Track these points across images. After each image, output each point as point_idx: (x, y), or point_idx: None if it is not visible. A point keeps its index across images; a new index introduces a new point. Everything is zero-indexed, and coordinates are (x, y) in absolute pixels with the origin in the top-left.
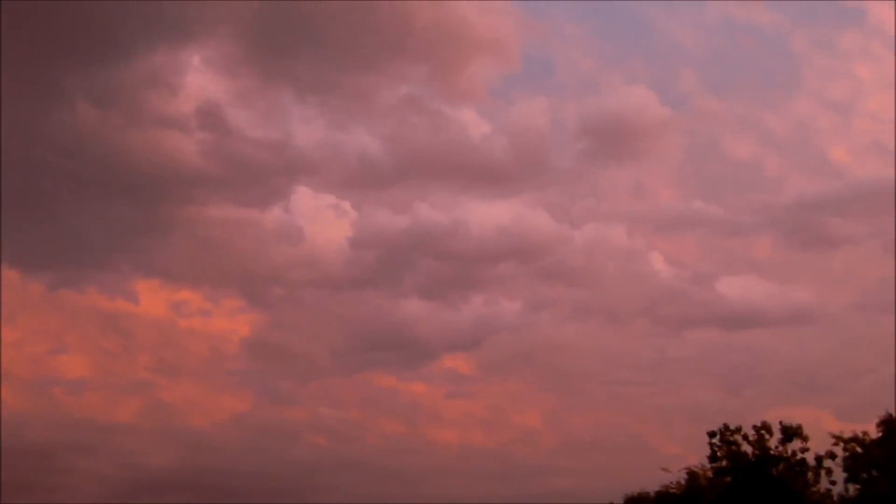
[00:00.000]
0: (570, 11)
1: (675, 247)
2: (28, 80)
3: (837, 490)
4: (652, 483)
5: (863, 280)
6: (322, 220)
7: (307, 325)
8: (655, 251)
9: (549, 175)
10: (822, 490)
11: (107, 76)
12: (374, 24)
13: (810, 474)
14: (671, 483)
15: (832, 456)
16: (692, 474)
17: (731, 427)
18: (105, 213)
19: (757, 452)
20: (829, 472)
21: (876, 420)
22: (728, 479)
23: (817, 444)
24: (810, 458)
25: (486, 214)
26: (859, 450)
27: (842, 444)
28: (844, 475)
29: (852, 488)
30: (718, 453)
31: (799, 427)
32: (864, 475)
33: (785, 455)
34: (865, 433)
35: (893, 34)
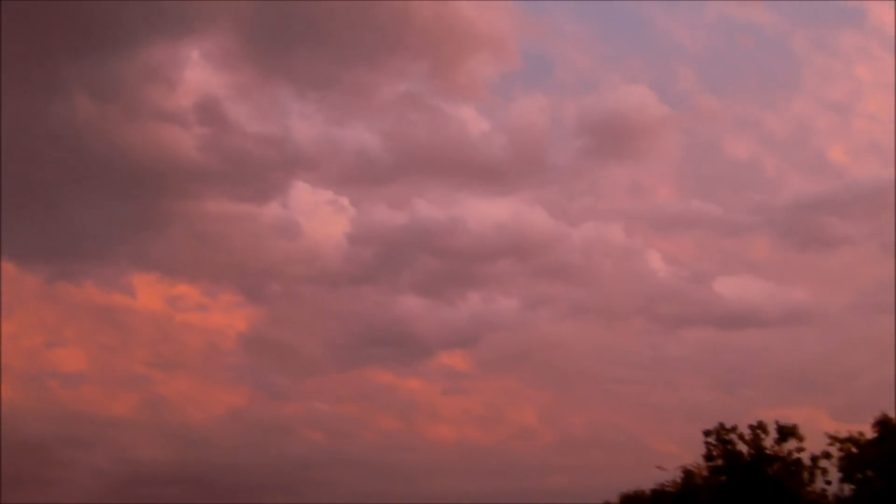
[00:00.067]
0: (569, 10)
1: (672, 246)
2: (27, 74)
3: (833, 490)
4: (648, 481)
5: (860, 281)
6: (320, 216)
7: (304, 321)
8: (653, 250)
9: (547, 173)
10: (817, 490)
11: (106, 70)
12: (373, 20)
13: (806, 474)
14: (667, 481)
15: (828, 456)
16: (688, 473)
17: (727, 426)
18: (103, 206)
19: (752, 452)
20: (825, 471)
21: (871, 421)
22: (723, 477)
23: (813, 443)
24: (806, 457)
25: (485, 212)
26: (855, 450)
27: (837, 445)
28: (840, 475)
29: (847, 488)
30: (714, 452)
31: (795, 427)
32: (860, 475)
33: (780, 454)
34: (861, 433)
35: (893, 35)
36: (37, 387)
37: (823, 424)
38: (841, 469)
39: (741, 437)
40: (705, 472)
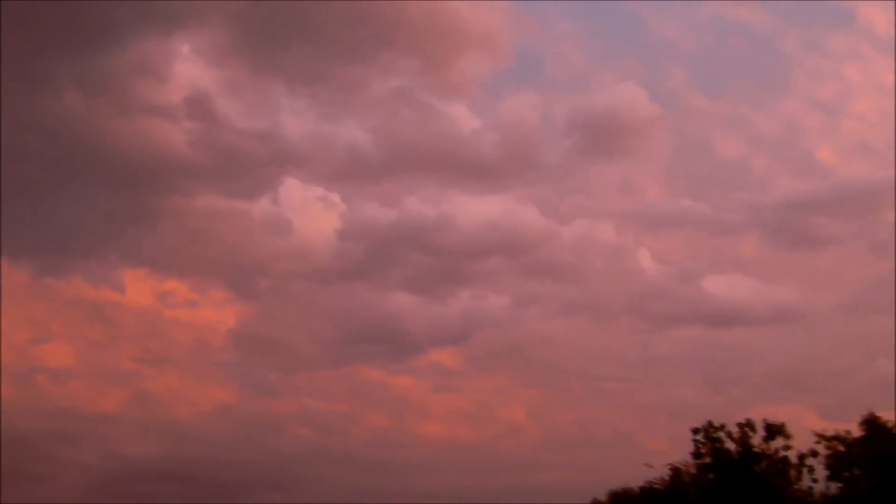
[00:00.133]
0: (561, 8)
1: (662, 244)
2: (15, 67)
3: (819, 488)
4: (636, 479)
5: (848, 280)
6: (310, 212)
7: (294, 317)
8: (643, 248)
9: (538, 171)
10: (804, 488)
11: (95, 64)
12: (365, 17)
13: (793, 472)
14: (655, 479)
15: (815, 454)
16: (676, 470)
17: (716, 424)
18: (92, 201)
19: (740, 449)
20: (812, 469)
21: (858, 419)
22: (711, 475)
23: (800, 442)
24: (793, 455)
25: (475, 209)
26: (841, 448)
27: (824, 443)
28: (826, 473)
29: (834, 486)
30: (702, 450)
31: (782, 425)
32: (846, 473)
33: (768, 452)
34: (848, 432)
35: (882, 36)
36: (24, 382)
37: (811, 423)
38: (828, 467)
39: (729, 434)
40: (693, 470)
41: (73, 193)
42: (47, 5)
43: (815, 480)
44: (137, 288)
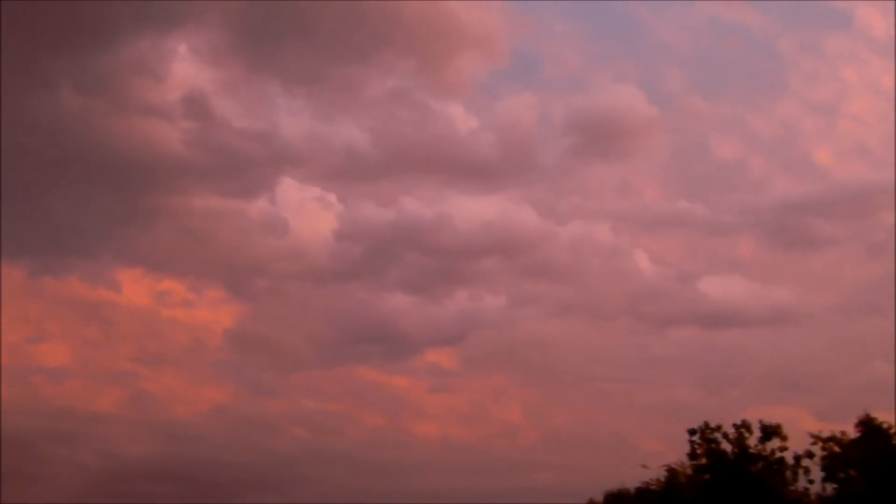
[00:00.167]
0: (558, 9)
1: (659, 245)
2: (12, 66)
3: (815, 489)
4: (632, 479)
5: (844, 281)
6: (307, 213)
7: (291, 318)
8: (640, 249)
9: (535, 171)
10: (799, 489)
11: (92, 63)
12: (362, 17)
13: (788, 473)
14: (651, 480)
15: (810, 455)
16: (672, 471)
17: (712, 425)
18: (88, 200)
19: (736, 451)
20: (807, 471)
21: (854, 420)
22: (707, 476)
23: (796, 443)
24: (789, 456)
25: (472, 209)
26: (837, 449)
27: (820, 444)
28: (822, 474)
29: (830, 487)
30: (698, 451)
31: (778, 426)
32: (842, 475)
33: (764, 453)
34: (843, 433)
35: (880, 38)
36: (20, 382)
37: (807, 424)
38: (823, 468)
39: (725, 436)
40: (689, 471)
41: (69, 193)
42: (44, 5)
43: (810, 481)
44: (134, 288)
